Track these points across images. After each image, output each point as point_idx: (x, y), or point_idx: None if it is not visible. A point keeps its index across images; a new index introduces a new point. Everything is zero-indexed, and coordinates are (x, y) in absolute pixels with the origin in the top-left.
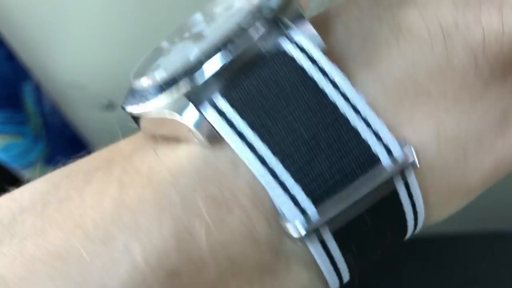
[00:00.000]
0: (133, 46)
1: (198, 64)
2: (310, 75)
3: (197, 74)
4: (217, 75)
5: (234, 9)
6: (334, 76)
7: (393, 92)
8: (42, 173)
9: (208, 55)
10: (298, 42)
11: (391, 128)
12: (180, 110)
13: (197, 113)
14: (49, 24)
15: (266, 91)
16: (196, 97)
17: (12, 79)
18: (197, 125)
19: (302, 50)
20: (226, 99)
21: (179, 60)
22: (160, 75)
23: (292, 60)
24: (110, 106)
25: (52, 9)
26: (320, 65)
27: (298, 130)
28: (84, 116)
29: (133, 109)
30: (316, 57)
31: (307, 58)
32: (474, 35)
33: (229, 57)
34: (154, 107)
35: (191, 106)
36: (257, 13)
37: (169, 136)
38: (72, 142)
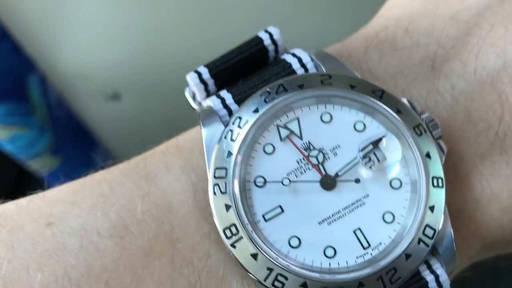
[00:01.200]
0: (137, 37)
1: None
2: None
3: None
4: None
5: (393, 211)
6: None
7: None
8: (49, 163)
9: None
10: (439, 276)
11: None
12: None
13: None
14: (54, 16)
15: None
16: None
17: (18, 71)
18: None
19: (439, 284)
20: None
21: None
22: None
23: None
24: (115, 96)
25: (57, 2)
26: None
27: None
28: (89, 106)
29: (257, 276)
30: None
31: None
32: None
33: None
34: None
35: None
36: (424, 240)
37: None
38: (78, 133)
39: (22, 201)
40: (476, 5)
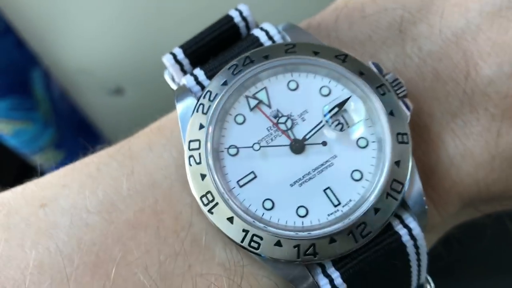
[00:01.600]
0: (140, 32)
1: None
2: (410, 261)
3: None
4: None
5: (360, 169)
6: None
7: None
8: (52, 157)
9: None
10: (411, 229)
11: None
12: (296, 279)
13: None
14: (57, 11)
15: (372, 268)
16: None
17: (21, 66)
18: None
19: (413, 237)
20: (338, 270)
21: None
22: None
23: (403, 246)
24: (118, 91)
25: None
26: (420, 251)
27: None
28: (92, 101)
29: (235, 239)
30: (420, 244)
31: (414, 247)
32: None
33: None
34: (266, 255)
35: (308, 277)
36: (392, 194)
37: None
38: (81, 127)
39: (18, 188)
40: None
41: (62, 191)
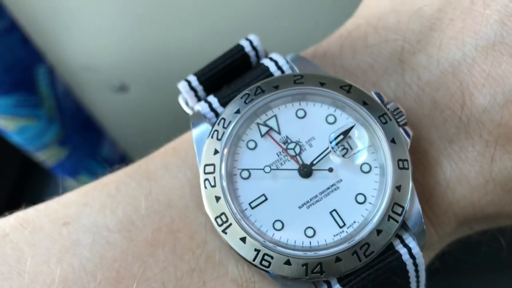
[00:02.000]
0: (145, 30)
1: None
2: (409, 278)
3: None
4: None
5: (364, 193)
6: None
7: None
8: (56, 154)
9: None
10: (411, 248)
11: None
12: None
13: None
14: (62, 8)
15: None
16: None
17: (26, 63)
18: None
19: (412, 256)
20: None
21: None
22: None
23: (403, 264)
24: (122, 88)
25: None
26: (419, 270)
27: None
28: (96, 98)
29: (248, 258)
30: (419, 262)
31: (413, 266)
32: None
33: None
34: (276, 272)
35: None
36: (393, 216)
37: None
38: (85, 124)
39: (40, 206)
40: (437, 1)
41: (84, 210)
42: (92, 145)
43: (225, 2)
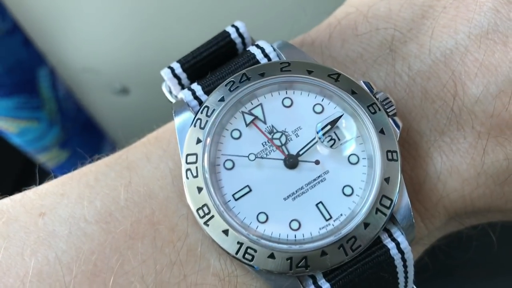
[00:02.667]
0: (146, 32)
1: None
2: (397, 273)
3: None
4: None
5: (351, 184)
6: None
7: None
8: (57, 156)
9: None
10: (399, 243)
11: None
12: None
13: None
14: (64, 10)
15: (361, 280)
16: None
17: (28, 65)
18: None
19: (400, 251)
20: (328, 282)
21: None
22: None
23: (391, 258)
24: (123, 90)
25: None
26: (407, 264)
27: None
28: (98, 100)
29: (230, 251)
30: (407, 257)
31: (401, 260)
32: None
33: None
34: (259, 266)
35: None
36: (381, 209)
37: None
38: (86, 127)
39: (16, 196)
40: None
41: (61, 201)
42: (93, 148)
43: (226, 5)
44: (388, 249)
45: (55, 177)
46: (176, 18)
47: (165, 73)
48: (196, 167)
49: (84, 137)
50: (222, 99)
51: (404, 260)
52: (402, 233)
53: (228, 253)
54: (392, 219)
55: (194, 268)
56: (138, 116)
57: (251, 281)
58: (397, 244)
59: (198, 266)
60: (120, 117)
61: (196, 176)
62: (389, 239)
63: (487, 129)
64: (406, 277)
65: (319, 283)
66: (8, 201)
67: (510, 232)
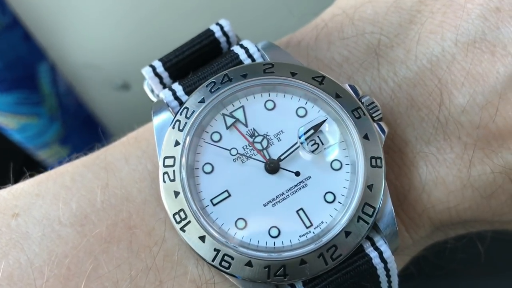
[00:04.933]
0: (147, 27)
1: None
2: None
3: None
4: None
5: (333, 191)
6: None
7: None
8: (57, 153)
9: None
10: (382, 252)
11: None
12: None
13: None
14: (65, 5)
15: None
16: None
17: (28, 60)
18: None
19: (383, 260)
20: None
21: None
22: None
23: (373, 268)
24: (124, 86)
25: None
26: (391, 274)
27: None
28: (98, 96)
29: (206, 258)
30: (390, 267)
31: (384, 270)
32: None
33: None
34: (236, 274)
35: None
36: (363, 218)
37: None
38: (87, 122)
39: None
40: None
41: (36, 201)
42: (93, 144)
43: (227, 1)
44: (371, 258)
45: (31, 176)
46: (177, 13)
47: (146, 71)
48: (174, 171)
49: (84, 133)
50: (202, 101)
51: (387, 269)
52: (385, 242)
53: (204, 259)
54: (375, 227)
55: (171, 274)
56: (138, 112)
57: None
58: (380, 253)
59: (174, 272)
60: (120, 113)
61: (173, 180)
62: (371, 248)
63: (473, 140)
64: (389, 287)
65: None
66: None
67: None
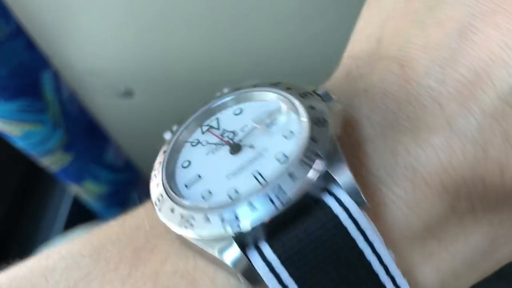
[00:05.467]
0: (150, 35)
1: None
2: (352, 236)
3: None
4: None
5: (284, 152)
6: (371, 236)
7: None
8: (60, 160)
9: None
10: (341, 200)
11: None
12: (222, 250)
13: (238, 253)
14: (68, 13)
15: (308, 244)
16: (241, 239)
17: (32, 68)
18: (235, 265)
19: (345, 208)
20: (272, 248)
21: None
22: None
23: (336, 217)
24: (127, 93)
25: None
26: (360, 225)
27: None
28: (102, 103)
29: (177, 230)
30: (357, 217)
31: (349, 219)
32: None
33: (278, 210)
34: (199, 235)
35: (235, 247)
36: (307, 162)
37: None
38: (90, 130)
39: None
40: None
41: None
42: (96, 151)
43: (230, 7)
44: (330, 207)
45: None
46: (181, 20)
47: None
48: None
49: (88, 140)
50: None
51: (355, 222)
52: (344, 192)
53: (173, 231)
54: (330, 179)
55: None
56: (142, 118)
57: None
58: (339, 202)
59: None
60: (124, 120)
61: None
62: (330, 197)
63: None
64: (372, 247)
65: (265, 253)
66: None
67: None
